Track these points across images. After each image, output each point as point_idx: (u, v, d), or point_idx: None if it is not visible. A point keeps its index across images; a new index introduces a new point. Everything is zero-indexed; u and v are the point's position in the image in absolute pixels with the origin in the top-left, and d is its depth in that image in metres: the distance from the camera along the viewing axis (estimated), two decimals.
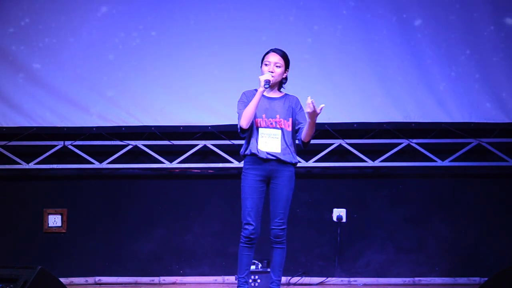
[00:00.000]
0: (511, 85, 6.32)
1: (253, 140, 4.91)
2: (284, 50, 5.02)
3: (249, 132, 4.92)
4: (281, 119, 4.93)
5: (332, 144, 6.51)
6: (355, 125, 6.39)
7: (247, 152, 4.92)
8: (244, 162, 4.97)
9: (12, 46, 6.38)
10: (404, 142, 6.51)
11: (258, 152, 4.88)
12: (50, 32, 6.38)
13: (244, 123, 4.84)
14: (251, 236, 4.90)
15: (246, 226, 4.90)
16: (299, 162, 6.46)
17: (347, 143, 6.51)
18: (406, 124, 6.38)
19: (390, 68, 6.35)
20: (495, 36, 6.31)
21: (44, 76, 6.38)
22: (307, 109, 4.75)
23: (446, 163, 6.49)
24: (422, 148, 6.50)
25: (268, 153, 4.88)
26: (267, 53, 4.99)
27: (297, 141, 5.01)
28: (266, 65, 4.95)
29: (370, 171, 6.62)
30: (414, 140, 6.50)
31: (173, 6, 6.39)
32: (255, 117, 4.89)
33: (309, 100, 4.71)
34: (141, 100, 6.41)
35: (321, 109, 4.73)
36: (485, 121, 6.34)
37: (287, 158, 4.91)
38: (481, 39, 6.32)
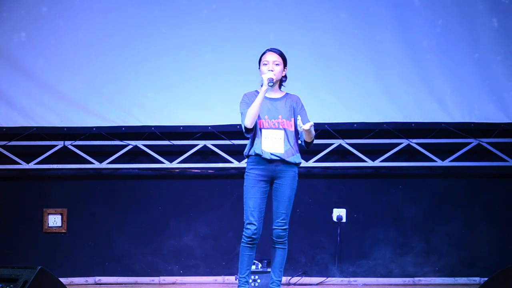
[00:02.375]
0: (511, 85, 6.31)
1: (257, 141, 4.91)
2: (282, 50, 5.03)
3: (253, 133, 4.93)
4: (284, 119, 4.94)
5: (332, 144, 6.51)
6: (355, 125, 6.39)
7: (251, 152, 4.93)
8: (248, 162, 4.98)
9: (12, 47, 6.38)
10: (404, 142, 6.51)
11: (262, 153, 4.88)
12: (50, 32, 6.38)
13: (249, 123, 4.85)
14: (253, 236, 4.91)
15: (249, 226, 4.91)
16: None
17: (347, 143, 6.51)
18: (406, 124, 6.38)
19: (390, 68, 6.35)
20: (495, 36, 6.31)
21: (44, 76, 6.38)
22: (299, 129, 4.86)
23: (446, 163, 6.49)
24: (422, 148, 6.50)
25: (272, 154, 4.89)
26: (264, 53, 5.01)
27: (299, 141, 5.03)
28: (265, 64, 4.96)
29: (370, 171, 6.62)
30: (414, 140, 6.50)
31: (173, 7, 6.39)
32: (258, 118, 4.90)
33: (299, 123, 4.84)
34: (141, 100, 6.41)
35: (310, 126, 4.81)
36: (485, 121, 6.34)
37: (291, 158, 4.92)
38: (481, 39, 6.32)
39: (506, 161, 6.47)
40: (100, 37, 6.38)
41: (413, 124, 6.37)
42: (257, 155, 4.91)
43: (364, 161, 6.52)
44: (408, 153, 6.56)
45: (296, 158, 4.96)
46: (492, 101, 6.32)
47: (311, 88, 6.34)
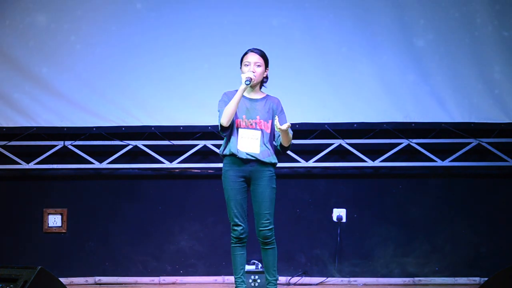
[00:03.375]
0: (511, 85, 6.31)
1: (233, 140, 4.94)
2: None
3: (229, 132, 4.94)
4: (261, 120, 4.95)
5: (332, 144, 6.50)
6: (355, 125, 6.39)
7: (226, 152, 4.95)
8: (224, 163, 5.00)
9: (13, 47, 6.38)
10: (404, 142, 6.51)
11: (238, 152, 4.90)
12: (50, 33, 6.37)
13: (225, 121, 4.87)
14: (241, 236, 4.96)
15: (235, 227, 4.95)
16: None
17: (347, 143, 6.51)
18: (406, 124, 6.38)
19: (390, 68, 6.35)
20: (494, 36, 6.31)
21: (44, 76, 6.37)
22: (277, 129, 4.84)
23: (446, 163, 6.49)
24: (422, 148, 6.50)
25: (247, 154, 4.90)
26: (246, 53, 5.02)
27: (275, 144, 5.02)
28: (246, 65, 4.98)
29: (370, 171, 6.61)
30: (414, 140, 6.50)
31: (173, 7, 6.39)
32: (235, 117, 4.92)
33: (276, 123, 4.84)
34: (141, 100, 6.40)
35: (288, 126, 4.81)
36: (485, 121, 6.33)
37: (266, 158, 4.93)
38: (481, 39, 6.32)
39: (506, 161, 6.46)
40: (101, 38, 6.38)
41: (413, 124, 6.37)
42: (232, 154, 4.92)
43: (364, 161, 6.52)
44: (408, 153, 6.56)
45: (272, 158, 4.97)
46: (492, 101, 6.31)
47: (311, 88, 6.34)
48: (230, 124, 4.91)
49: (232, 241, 4.98)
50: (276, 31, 6.33)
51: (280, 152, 5.06)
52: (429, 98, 6.34)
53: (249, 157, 4.91)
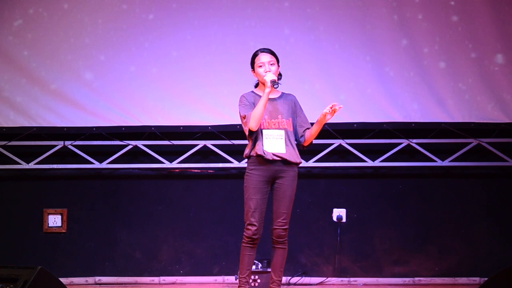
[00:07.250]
0: (511, 85, 6.31)
1: (258, 142, 4.90)
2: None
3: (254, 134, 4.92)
4: (284, 119, 4.94)
5: (332, 144, 6.51)
6: (355, 125, 6.39)
7: (253, 153, 4.90)
8: (248, 162, 4.95)
9: (13, 47, 6.38)
10: (404, 142, 6.51)
11: (265, 154, 4.86)
12: (50, 32, 6.38)
13: (254, 125, 4.84)
14: (254, 237, 4.90)
15: (249, 227, 4.89)
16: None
17: (347, 143, 6.51)
18: (406, 124, 6.38)
19: (390, 68, 6.35)
20: (494, 36, 6.31)
21: (44, 76, 6.38)
22: (328, 115, 4.89)
23: (446, 163, 6.49)
24: (422, 148, 6.50)
25: (274, 154, 4.88)
26: (256, 55, 4.98)
27: (297, 142, 5.02)
28: (260, 67, 4.93)
29: (370, 171, 6.62)
30: (414, 140, 6.50)
31: (172, 8, 6.39)
32: None
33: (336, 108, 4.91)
34: (141, 100, 6.41)
35: (332, 108, 4.93)
36: (485, 121, 6.34)
37: (292, 158, 4.92)
38: (480, 39, 6.32)
39: (506, 161, 6.47)
40: (100, 38, 6.38)
41: (413, 124, 6.37)
42: (259, 156, 4.89)
43: (364, 161, 6.52)
44: (408, 153, 6.56)
45: (297, 157, 4.96)
46: (492, 101, 6.32)
47: (311, 87, 6.34)
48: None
49: (243, 240, 4.92)
50: (275, 31, 6.33)
51: (301, 149, 5.05)
52: (429, 98, 6.34)
53: (275, 157, 4.89)
